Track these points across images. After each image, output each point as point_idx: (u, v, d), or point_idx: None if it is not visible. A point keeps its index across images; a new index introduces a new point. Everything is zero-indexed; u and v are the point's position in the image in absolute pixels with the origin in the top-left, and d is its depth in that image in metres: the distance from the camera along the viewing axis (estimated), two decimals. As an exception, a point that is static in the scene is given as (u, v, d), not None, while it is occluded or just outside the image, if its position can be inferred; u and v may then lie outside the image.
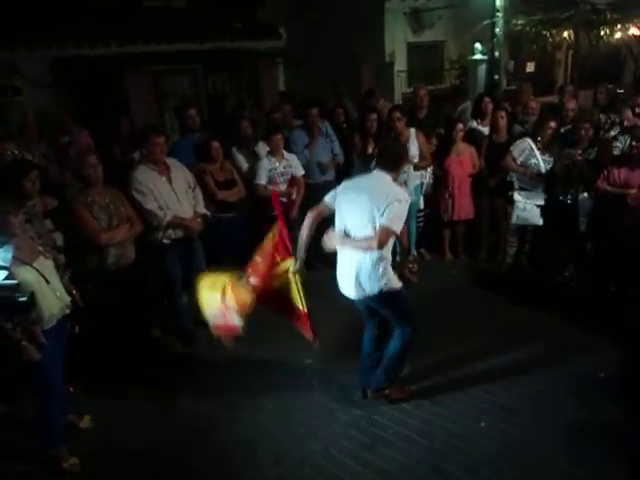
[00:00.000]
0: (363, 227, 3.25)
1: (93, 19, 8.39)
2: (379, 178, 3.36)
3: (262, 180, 5.15)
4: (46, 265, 3.07)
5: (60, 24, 8.11)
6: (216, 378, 4.16)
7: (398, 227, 3.22)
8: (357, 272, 3.32)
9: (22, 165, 3.74)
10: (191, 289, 4.72)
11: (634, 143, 4.45)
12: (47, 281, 3.01)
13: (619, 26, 12.98)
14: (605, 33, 12.97)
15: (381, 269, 3.30)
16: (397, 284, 3.41)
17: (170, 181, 4.34)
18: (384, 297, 3.37)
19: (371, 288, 3.33)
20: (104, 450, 3.44)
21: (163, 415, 3.76)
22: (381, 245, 3.20)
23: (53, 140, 5.21)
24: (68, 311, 3.24)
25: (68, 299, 3.24)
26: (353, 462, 3.21)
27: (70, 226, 3.78)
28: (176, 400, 3.92)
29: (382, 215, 3.15)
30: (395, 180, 3.41)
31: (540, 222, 5.19)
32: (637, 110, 5.00)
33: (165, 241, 4.34)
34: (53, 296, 3.09)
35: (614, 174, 4.53)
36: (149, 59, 8.56)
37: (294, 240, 3.56)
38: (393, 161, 3.40)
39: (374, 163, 4.87)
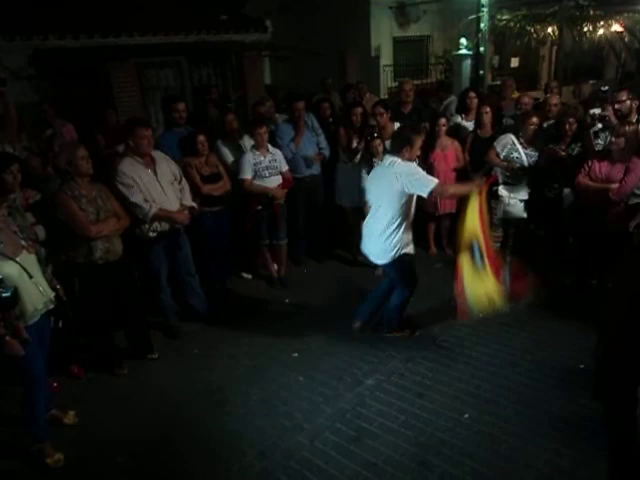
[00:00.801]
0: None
1: (75, 10, 8.26)
2: (386, 163, 3.98)
3: (248, 174, 5.11)
4: (29, 259, 3.03)
5: (41, 14, 7.97)
6: (200, 370, 4.16)
7: (428, 185, 3.78)
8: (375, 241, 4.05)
9: (3, 158, 3.67)
10: (175, 283, 4.74)
11: (613, 139, 4.50)
12: (30, 276, 2.98)
13: (602, 22, 13.14)
14: (588, 29, 13.11)
15: (393, 241, 3.96)
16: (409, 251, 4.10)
17: (156, 173, 4.30)
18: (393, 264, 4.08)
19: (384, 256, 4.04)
20: (89, 445, 3.42)
21: (148, 409, 3.75)
22: (442, 191, 3.98)
23: (35, 132, 5.13)
24: (52, 306, 3.21)
25: (52, 294, 3.21)
26: (338, 455, 3.23)
27: (54, 219, 3.73)
28: (161, 393, 3.91)
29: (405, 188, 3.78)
30: (410, 159, 3.91)
31: (525, 215, 5.26)
32: (617, 106, 5.06)
33: (151, 234, 4.31)
34: (36, 291, 3.06)
35: (595, 169, 4.58)
36: (133, 51, 8.45)
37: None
38: (398, 144, 3.91)
39: (360, 155, 5.13)
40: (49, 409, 3.49)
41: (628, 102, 4.95)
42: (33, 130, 5.14)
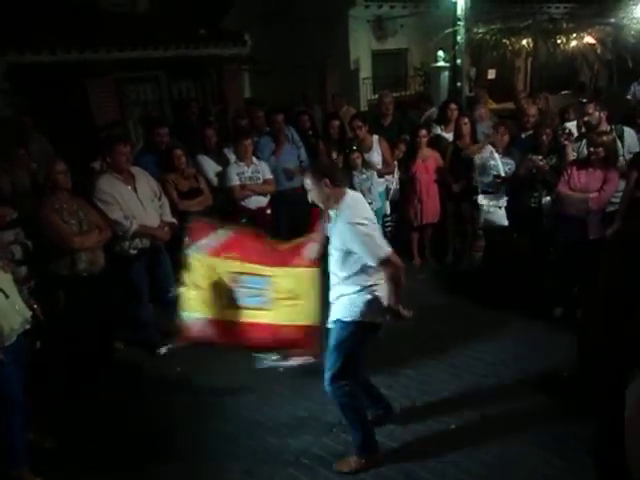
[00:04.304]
0: None
1: (52, 24, 8.20)
2: None
3: (236, 182, 5.08)
4: (5, 279, 2.98)
5: (17, 29, 7.88)
6: (183, 388, 4.10)
7: None
8: None
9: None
10: (157, 299, 4.68)
11: (592, 149, 4.56)
12: (6, 295, 2.92)
13: (574, 35, 13.48)
14: (562, 42, 13.44)
15: None
16: None
17: (135, 190, 4.26)
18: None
19: None
20: (69, 469, 3.33)
21: (130, 429, 3.67)
22: None
23: (8, 150, 5.00)
24: (28, 326, 3.14)
25: (29, 313, 3.14)
26: (325, 470, 3.19)
27: (37, 234, 3.71)
28: (143, 413, 3.84)
29: None
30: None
31: (506, 223, 5.31)
32: (586, 118, 5.16)
33: (132, 251, 4.26)
34: (13, 311, 2.99)
35: (574, 178, 4.64)
36: (111, 66, 8.40)
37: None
38: None
39: None
40: (27, 432, 3.39)
41: (596, 113, 5.08)
42: (8, 148, 5.01)
